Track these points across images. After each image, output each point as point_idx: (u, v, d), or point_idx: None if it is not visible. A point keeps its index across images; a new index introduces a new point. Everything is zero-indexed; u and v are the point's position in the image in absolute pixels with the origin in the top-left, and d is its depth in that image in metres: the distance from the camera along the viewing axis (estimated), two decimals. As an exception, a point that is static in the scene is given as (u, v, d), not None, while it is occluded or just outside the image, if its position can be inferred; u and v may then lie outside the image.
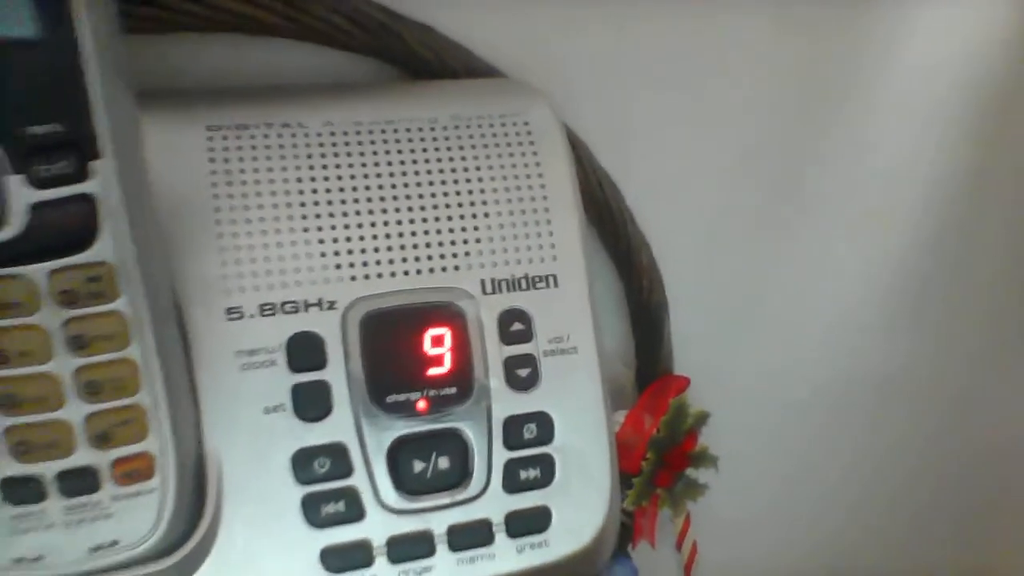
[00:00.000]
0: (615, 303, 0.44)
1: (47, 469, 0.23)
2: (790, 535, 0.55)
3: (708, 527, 0.49)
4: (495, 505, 0.29)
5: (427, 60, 0.34)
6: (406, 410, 0.29)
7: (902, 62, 0.45)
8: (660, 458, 0.44)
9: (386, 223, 0.29)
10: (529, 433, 0.30)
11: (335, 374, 0.28)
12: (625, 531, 0.46)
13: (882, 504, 0.57)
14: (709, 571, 0.50)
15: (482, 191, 0.31)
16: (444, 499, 0.29)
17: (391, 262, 0.29)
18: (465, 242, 0.30)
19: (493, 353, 0.30)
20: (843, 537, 0.57)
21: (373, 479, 0.28)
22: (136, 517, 0.24)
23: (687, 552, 0.50)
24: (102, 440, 0.23)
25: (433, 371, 0.29)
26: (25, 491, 0.23)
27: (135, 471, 0.24)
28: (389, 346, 0.29)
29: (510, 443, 0.30)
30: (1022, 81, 0.48)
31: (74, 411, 0.23)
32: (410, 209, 0.30)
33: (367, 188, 0.30)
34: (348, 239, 0.29)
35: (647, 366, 0.45)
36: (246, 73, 0.33)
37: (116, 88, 0.21)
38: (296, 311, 0.28)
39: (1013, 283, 0.54)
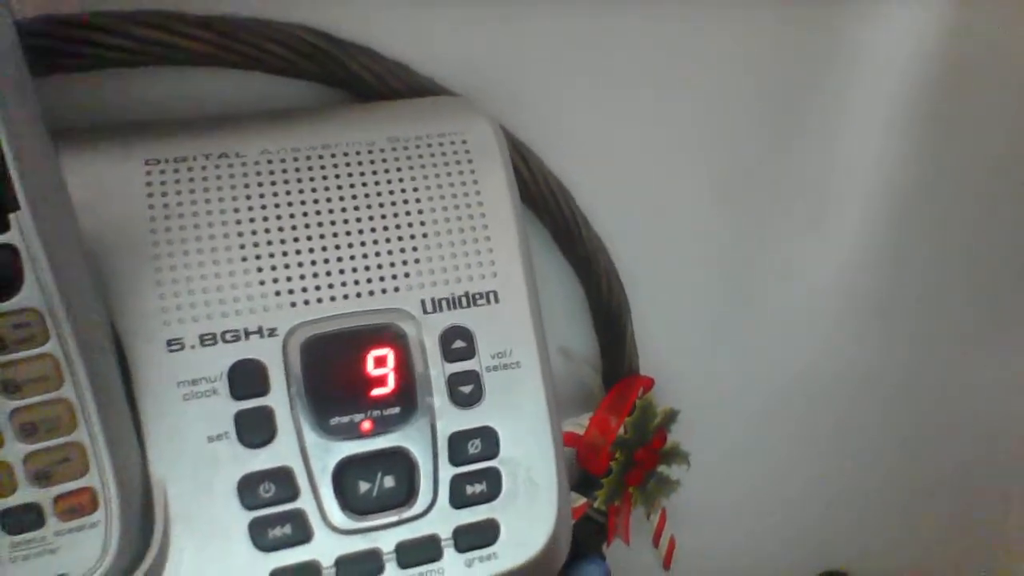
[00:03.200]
0: (578, 307, 0.45)
1: (-10, 509, 0.24)
2: (768, 529, 0.56)
3: (686, 522, 0.49)
4: (442, 521, 0.30)
5: (369, 82, 0.35)
6: (350, 431, 0.29)
7: (863, 59, 0.45)
8: (629, 457, 0.44)
9: (324, 248, 0.30)
10: (474, 448, 0.30)
11: (278, 399, 0.29)
12: (600, 530, 0.47)
13: (857, 496, 0.57)
14: (689, 565, 0.50)
15: (420, 212, 0.31)
16: (391, 517, 0.29)
17: (331, 286, 0.30)
18: (404, 263, 0.31)
19: (436, 371, 0.30)
20: (822, 528, 0.57)
21: (319, 501, 0.29)
22: (81, 550, 0.25)
23: (665, 547, 0.50)
24: (42, 478, 0.24)
25: (376, 392, 0.30)
26: (-30, 531, 0.24)
27: (77, 506, 0.25)
28: (331, 369, 0.29)
29: (455, 459, 0.30)
30: (973, 74, 0.48)
31: (11, 452, 0.24)
32: (348, 233, 0.30)
33: (305, 214, 0.30)
34: (287, 266, 0.29)
35: (613, 367, 0.45)
36: (186, 104, 0.33)
37: (29, 137, 0.22)
38: (237, 339, 0.28)
39: (981, 276, 0.54)
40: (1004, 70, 0.48)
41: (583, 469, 0.45)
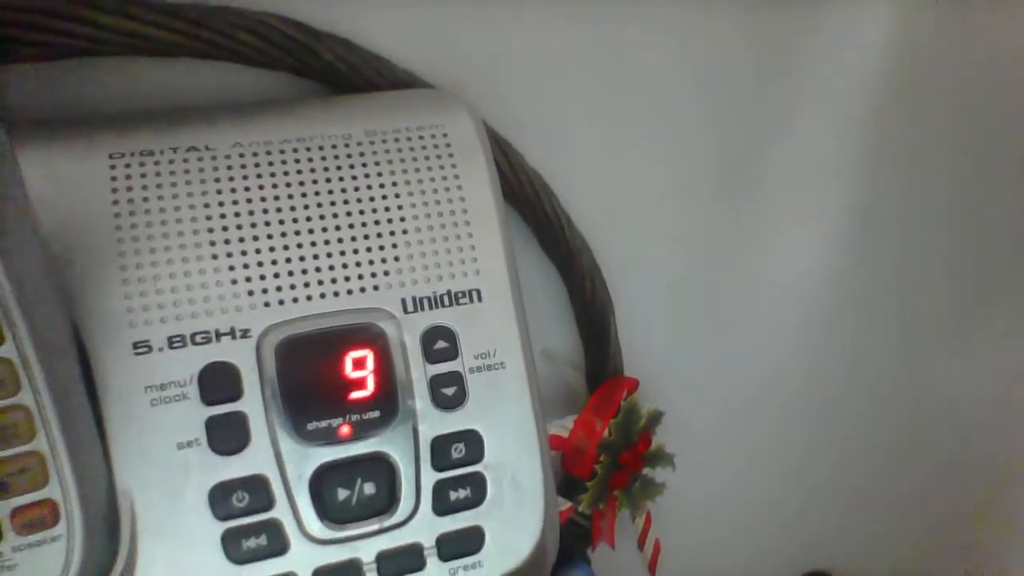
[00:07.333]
0: (561, 307, 0.44)
1: (-58, 525, 0.22)
2: (754, 529, 0.55)
3: (671, 524, 0.48)
4: (425, 529, 0.29)
5: (344, 74, 0.33)
6: (328, 437, 0.28)
7: (832, 56, 0.45)
8: (614, 460, 0.43)
9: (300, 245, 0.29)
10: (458, 452, 0.29)
11: (252, 404, 0.27)
12: (585, 534, 0.46)
13: (842, 495, 0.57)
14: (674, 567, 0.50)
15: (400, 207, 0.30)
16: (372, 526, 0.28)
17: (307, 285, 0.29)
18: (384, 261, 0.29)
19: (417, 373, 0.29)
20: (807, 528, 0.57)
21: (296, 510, 0.27)
22: (42, 567, 0.23)
23: (650, 551, 0.50)
24: (-1, 490, 0.23)
25: (355, 395, 0.29)
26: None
27: (37, 519, 0.23)
28: (308, 372, 0.28)
29: (438, 464, 0.29)
30: (939, 80, 0.48)
31: (-36, 463, 0.22)
32: (325, 230, 0.29)
33: (279, 210, 0.29)
34: (260, 264, 0.28)
35: (596, 368, 0.45)
36: (153, 95, 0.32)
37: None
38: (207, 342, 0.27)
39: (960, 272, 0.54)
40: (963, 68, 0.48)
41: (568, 472, 0.44)
